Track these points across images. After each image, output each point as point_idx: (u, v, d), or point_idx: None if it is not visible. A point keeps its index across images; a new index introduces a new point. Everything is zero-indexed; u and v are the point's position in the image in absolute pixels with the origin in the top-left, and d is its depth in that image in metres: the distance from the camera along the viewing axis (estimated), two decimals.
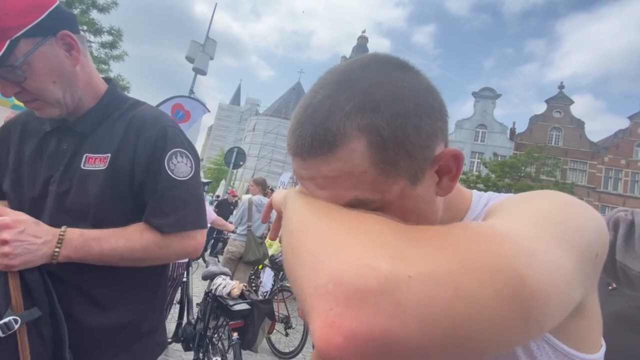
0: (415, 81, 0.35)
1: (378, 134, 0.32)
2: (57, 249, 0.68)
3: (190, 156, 0.82)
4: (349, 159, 0.33)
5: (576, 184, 23.66)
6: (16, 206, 0.78)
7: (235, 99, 53.65)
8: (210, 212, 2.68)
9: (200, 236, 0.84)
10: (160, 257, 0.79)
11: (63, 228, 0.70)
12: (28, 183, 0.78)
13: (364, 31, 63.08)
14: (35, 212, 0.73)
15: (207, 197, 18.29)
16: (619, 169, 25.70)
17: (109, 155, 0.76)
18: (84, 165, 0.75)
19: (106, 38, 11.41)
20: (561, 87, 27.48)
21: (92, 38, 11.32)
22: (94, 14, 10.98)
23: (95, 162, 0.76)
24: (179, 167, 0.78)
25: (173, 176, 0.77)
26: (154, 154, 0.77)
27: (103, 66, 11.89)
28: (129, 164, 0.76)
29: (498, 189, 18.46)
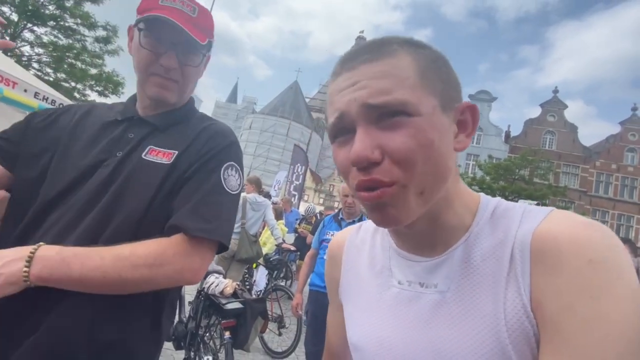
0: None
1: (421, 58, 0.40)
2: (25, 269, 0.57)
3: (241, 175, 0.81)
4: (397, 65, 0.39)
5: (568, 187, 23.95)
6: (47, 190, 0.71)
7: (232, 97, 53.38)
8: None
9: (206, 259, 0.70)
10: (152, 276, 0.64)
11: (38, 245, 0.61)
12: (71, 165, 0.73)
13: (361, 32, 63.20)
14: (67, 194, 0.68)
15: None
16: (610, 173, 26.09)
17: (176, 152, 0.75)
18: (144, 156, 0.74)
19: (101, 33, 11.27)
20: (555, 91, 27.78)
21: (86, 32, 11.20)
22: (88, 7, 10.82)
23: (158, 155, 0.74)
24: (230, 180, 0.76)
25: (224, 185, 0.74)
26: (213, 159, 0.76)
27: (97, 60, 11.75)
28: (188, 164, 0.74)
29: (492, 191, 18.59)
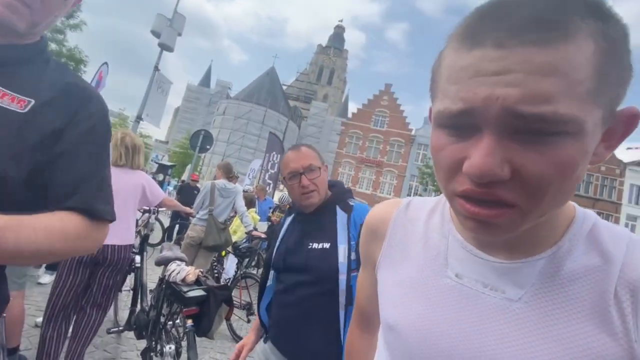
0: None
1: (606, 43, 0.28)
2: None
3: None
4: (572, 59, 0.28)
5: None
6: None
7: (205, 81, 51.27)
8: (160, 192, 2.50)
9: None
10: (75, 249, 0.65)
11: None
12: None
13: (340, 20, 62.73)
14: None
15: (172, 182, 17.41)
16: None
17: (32, 101, 0.63)
18: None
19: None
20: None
21: None
22: None
23: (3, 98, 0.62)
24: (111, 154, 0.74)
25: (111, 164, 0.73)
26: (99, 130, 0.69)
27: (58, 36, 10.84)
28: (58, 123, 0.64)
29: None
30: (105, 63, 5.77)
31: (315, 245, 1.10)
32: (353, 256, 1.06)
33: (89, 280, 2.12)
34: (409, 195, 27.96)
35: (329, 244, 1.08)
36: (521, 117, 0.28)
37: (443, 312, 0.42)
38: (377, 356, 0.53)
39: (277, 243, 1.23)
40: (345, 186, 1.27)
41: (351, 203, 1.16)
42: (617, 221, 26.39)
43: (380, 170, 34.34)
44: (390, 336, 0.47)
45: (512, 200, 0.31)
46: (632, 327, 0.32)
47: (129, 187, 2.22)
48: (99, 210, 0.67)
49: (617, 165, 27.81)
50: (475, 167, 0.30)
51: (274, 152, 11.70)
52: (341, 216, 1.11)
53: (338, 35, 62.51)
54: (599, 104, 0.29)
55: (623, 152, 27.98)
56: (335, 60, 58.45)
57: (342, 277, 1.02)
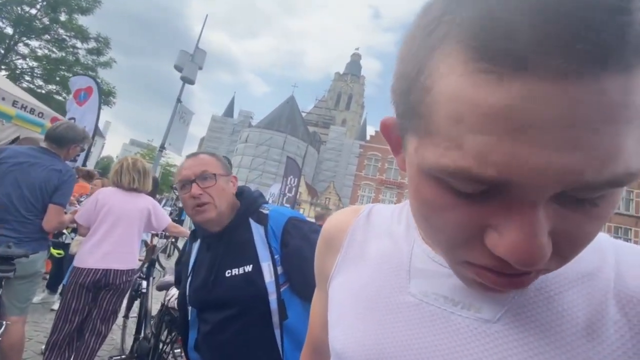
0: None
1: None
2: None
3: None
4: None
5: None
6: None
7: (229, 112, 53.54)
8: (165, 218, 2.49)
9: None
10: None
11: None
12: None
13: (357, 48, 64.57)
14: None
15: None
16: None
17: None
18: None
19: (93, 45, 11.37)
20: None
21: (79, 44, 11.31)
22: (81, 20, 10.97)
23: None
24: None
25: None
26: None
27: (91, 73, 11.81)
28: None
29: None
30: (94, 78, 5.93)
31: (235, 272, 0.93)
32: (280, 270, 0.93)
33: (91, 305, 2.10)
34: None
35: (251, 265, 0.93)
36: (585, 189, 0.20)
37: (402, 336, 0.35)
38: None
39: (189, 276, 1.05)
40: (254, 190, 1.11)
41: (265, 211, 1.01)
42: None
43: (402, 192, 33.69)
44: None
45: (544, 267, 0.25)
46: (631, 345, 0.27)
47: (135, 211, 2.22)
48: None
49: None
50: (519, 253, 0.22)
51: (292, 176, 11.76)
52: (257, 230, 0.97)
53: (355, 62, 64.24)
54: None
55: None
56: (352, 86, 59.74)
57: (272, 297, 0.90)
